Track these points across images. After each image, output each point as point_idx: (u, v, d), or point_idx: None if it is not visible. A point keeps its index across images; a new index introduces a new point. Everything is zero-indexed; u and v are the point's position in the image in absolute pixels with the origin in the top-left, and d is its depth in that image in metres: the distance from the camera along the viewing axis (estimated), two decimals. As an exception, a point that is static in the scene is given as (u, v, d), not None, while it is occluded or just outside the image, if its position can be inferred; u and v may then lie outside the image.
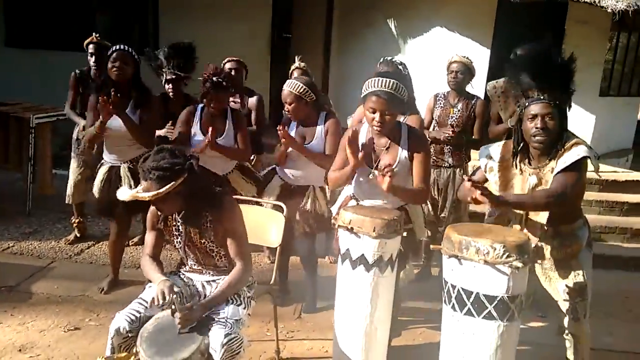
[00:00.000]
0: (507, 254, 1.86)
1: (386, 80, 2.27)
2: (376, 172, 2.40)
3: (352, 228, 2.12)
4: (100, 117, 2.90)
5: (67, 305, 3.09)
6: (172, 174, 1.97)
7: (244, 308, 2.17)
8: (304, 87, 2.94)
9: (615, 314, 3.49)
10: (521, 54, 2.23)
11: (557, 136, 2.13)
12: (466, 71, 3.43)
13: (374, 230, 2.07)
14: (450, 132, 3.35)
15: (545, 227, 2.28)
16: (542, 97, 2.13)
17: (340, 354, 2.29)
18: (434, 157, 3.57)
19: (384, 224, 2.08)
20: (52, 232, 4.15)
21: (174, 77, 3.49)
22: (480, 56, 5.70)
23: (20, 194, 4.54)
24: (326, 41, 6.90)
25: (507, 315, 1.92)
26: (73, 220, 4.02)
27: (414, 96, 2.86)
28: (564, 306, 2.31)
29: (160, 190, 1.95)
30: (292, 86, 2.94)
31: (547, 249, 2.32)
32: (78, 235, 4.01)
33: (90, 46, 3.79)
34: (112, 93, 2.88)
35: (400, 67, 2.82)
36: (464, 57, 3.46)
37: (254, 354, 2.76)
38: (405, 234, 2.40)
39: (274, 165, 3.24)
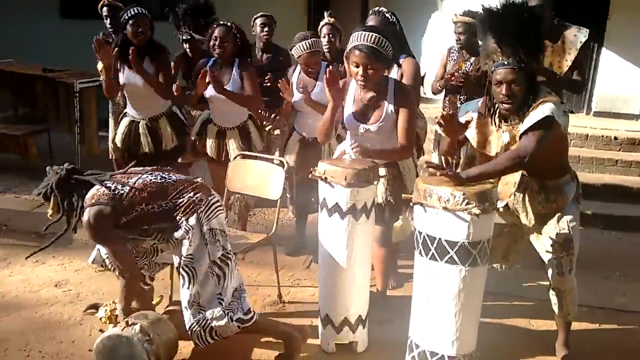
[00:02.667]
0: (466, 201, 1.91)
1: (369, 34, 2.31)
2: (366, 126, 2.49)
3: (326, 178, 2.24)
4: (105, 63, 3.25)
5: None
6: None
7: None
8: (317, 40, 3.11)
9: (630, 275, 3.41)
10: (485, 13, 2.18)
11: (525, 99, 2.10)
12: (468, 30, 3.36)
13: (345, 179, 2.18)
14: (449, 77, 3.32)
15: (530, 182, 2.29)
16: (506, 62, 2.08)
17: (324, 295, 2.46)
18: (448, 109, 3.57)
19: (354, 174, 2.18)
20: (97, 188, 4.57)
21: (189, 37, 3.69)
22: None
23: (71, 154, 5.00)
24: (363, 1, 6.84)
25: (468, 260, 1.99)
26: (114, 176, 4.40)
27: (405, 41, 2.89)
28: (547, 258, 2.33)
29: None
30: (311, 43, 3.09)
31: (533, 203, 2.33)
32: (118, 190, 4.40)
33: (104, 9, 4.04)
34: (131, 50, 3.11)
35: (388, 15, 2.84)
36: (467, 13, 3.37)
37: (259, 297, 3.00)
38: (395, 186, 2.51)
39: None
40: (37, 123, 5.05)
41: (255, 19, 3.92)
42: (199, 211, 2.17)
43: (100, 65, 4.22)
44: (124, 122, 3.45)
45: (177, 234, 2.18)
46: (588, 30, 3.07)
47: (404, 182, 2.60)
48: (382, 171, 2.41)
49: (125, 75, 3.27)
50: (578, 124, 5.20)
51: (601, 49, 5.56)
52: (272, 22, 3.94)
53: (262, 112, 3.65)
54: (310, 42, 3.07)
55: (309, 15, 6.56)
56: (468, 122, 2.28)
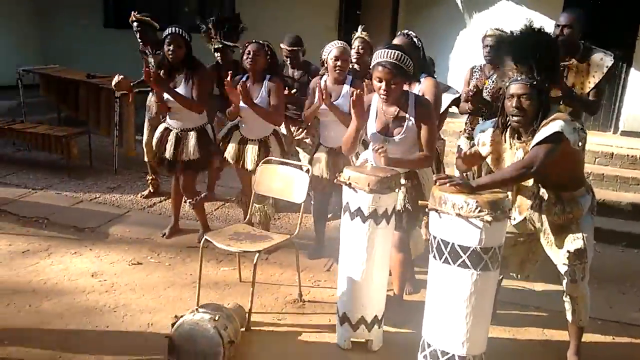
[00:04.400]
0: (479, 208, 2.03)
1: (391, 52, 2.47)
2: (388, 138, 2.63)
3: (350, 184, 2.38)
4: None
5: (135, 245, 3.68)
6: None
7: None
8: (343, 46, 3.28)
9: (647, 292, 3.44)
10: (505, 34, 2.32)
11: (534, 115, 2.23)
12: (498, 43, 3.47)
13: (368, 186, 2.32)
14: (470, 90, 3.42)
15: (547, 194, 2.40)
16: (519, 78, 2.22)
17: (342, 294, 2.59)
18: (469, 128, 3.69)
19: (377, 181, 2.32)
20: (132, 188, 4.82)
21: (220, 46, 3.91)
22: (549, 31, 5.52)
23: (109, 156, 5.30)
24: (393, 17, 7.00)
25: (480, 265, 2.09)
26: (148, 178, 4.65)
27: (428, 62, 3.02)
28: (563, 269, 2.42)
29: None
30: (341, 42, 3.28)
31: (550, 214, 2.42)
32: (152, 190, 4.63)
33: (134, 24, 4.29)
34: (156, 71, 3.34)
35: (415, 40, 2.99)
36: (498, 29, 3.50)
37: (281, 295, 3.15)
38: (413, 194, 2.64)
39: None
40: (78, 125, 5.36)
41: (283, 48, 4.04)
42: None
43: (114, 82, 4.50)
44: (160, 128, 3.67)
45: None
46: (613, 55, 3.15)
47: (423, 192, 2.71)
48: (402, 180, 2.54)
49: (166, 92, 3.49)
50: (604, 142, 5.22)
51: (630, 69, 5.58)
52: (297, 50, 4.01)
53: (292, 124, 3.84)
54: (342, 43, 3.30)
55: (338, 31, 6.75)
56: (478, 154, 2.42)
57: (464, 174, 2.84)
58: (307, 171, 3.03)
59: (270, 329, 2.80)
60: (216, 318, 2.31)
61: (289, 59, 3.92)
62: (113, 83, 4.54)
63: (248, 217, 3.31)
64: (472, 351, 2.19)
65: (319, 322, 2.88)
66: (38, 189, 4.63)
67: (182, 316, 2.35)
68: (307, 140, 4.26)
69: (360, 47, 3.59)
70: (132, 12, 4.28)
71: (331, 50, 3.28)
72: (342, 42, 3.31)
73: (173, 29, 3.39)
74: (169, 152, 3.54)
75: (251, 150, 3.46)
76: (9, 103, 6.17)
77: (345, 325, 2.58)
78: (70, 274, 3.23)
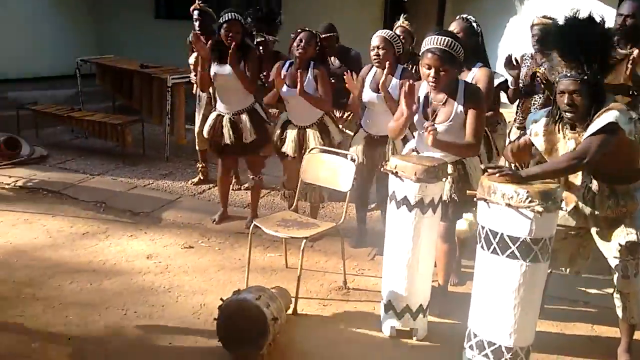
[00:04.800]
0: (529, 198, 2.01)
1: (442, 38, 2.45)
2: (435, 125, 2.61)
3: (397, 172, 2.40)
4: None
5: (186, 230, 3.84)
6: None
7: None
8: (396, 35, 3.23)
9: None
10: (551, 25, 2.25)
11: (588, 109, 2.16)
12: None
13: (415, 175, 2.33)
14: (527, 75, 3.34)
15: (601, 187, 2.34)
16: (569, 74, 2.16)
17: (388, 283, 2.62)
18: (520, 118, 3.62)
19: (424, 170, 2.33)
20: (183, 175, 5.00)
21: (262, 39, 3.99)
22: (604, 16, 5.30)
23: (161, 144, 5.50)
24: (440, 6, 6.88)
25: (530, 256, 2.08)
26: (198, 166, 4.81)
27: (483, 51, 2.97)
28: (614, 263, 2.36)
29: None
30: (385, 32, 3.22)
31: (603, 208, 2.37)
32: (201, 178, 4.79)
33: (195, 12, 4.41)
34: (232, 47, 3.43)
35: (475, 25, 2.96)
36: (546, 17, 3.40)
37: (326, 282, 3.22)
38: (460, 184, 2.63)
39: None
40: (132, 114, 5.59)
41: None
42: None
43: (192, 59, 4.63)
44: (212, 116, 3.79)
45: None
46: None
47: (470, 182, 2.68)
48: (450, 169, 2.53)
49: (215, 70, 3.60)
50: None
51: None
52: (333, 37, 4.08)
53: (334, 113, 3.87)
54: (384, 32, 3.27)
55: (384, 19, 6.71)
56: (528, 145, 2.39)
57: (515, 164, 2.79)
58: (353, 160, 3.07)
59: (316, 314, 2.87)
60: (259, 297, 2.39)
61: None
62: (191, 60, 4.63)
63: (295, 204, 3.38)
64: (519, 343, 2.18)
65: (364, 310, 2.93)
66: (95, 174, 4.88)
67: (227, 298, 2.45)
68: (349, 132, 4.29)
69: (401, 37, 3.58)
70: (197, 2, 4.40)
71: (371, 41, 3.28)
72: (386, 30, 3.28)
73: (232, 14, 3.49)
74: (229, 138, 3.65)
75: (312, 135, 3.51)
76: (68, 92, 6.49)
77: (390, 313, 2.62)
78: (127, 256, 3.41)
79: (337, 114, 4.03)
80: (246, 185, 4.66)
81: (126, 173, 4.95)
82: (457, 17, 3.10)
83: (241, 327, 2.35)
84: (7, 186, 4.44)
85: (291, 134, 3.58)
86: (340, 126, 3.97)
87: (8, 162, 4.80)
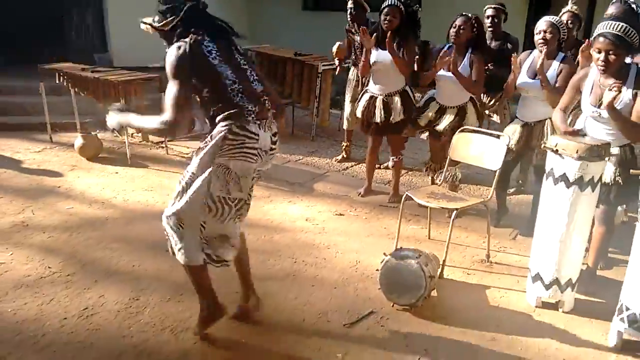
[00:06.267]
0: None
1: (614, 23, 2.52)
2: (600, 110, 2.68)
3: (557, 150, 2.54)
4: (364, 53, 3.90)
5: (335, 200, 4.28)
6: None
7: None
8: (562, 21, 3.33)
9: None
10: None
11: None
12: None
13: (577, 152, 2.46)
14: None
15: None
16: None
17: (538, 255, 2.78)
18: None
19: (587, 148, 2.45)
20: (327, 153, 5.48)
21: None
22: None
23: (307, 125, 6.04)
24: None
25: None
26: (343, 145, 5.25)
27: None
28: None
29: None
30: (552, 17, 3.31)
31: None
32: (345, 156, 5.23)
33: (349, 3, 4.79)
34: (389, 35, 3.75)
35: (634, 6, 2.93)
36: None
37: (468, 255, 3.44)
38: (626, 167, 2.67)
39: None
40: (285, 98, 6.19)
41: (485, 9, 4.28)
42: (230, 132, 2.09)
43: (334, 48, 5.07)
44: (365, 97, 4.16)
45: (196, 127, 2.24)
46: None
47: (638, 165, 2.68)
48: (615, 150, 2.59)
49: (375, 55, 3.95)
50: None
51: None
52: (499, 14, 4.25)
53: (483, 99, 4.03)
54: (552, 17, 3.32)
55: (528, 10, 6.59)
56: None
57: None
58: (506, 142, 3.23)
59: (461, 280, 3.12)
60: (419, 256, 2.71)
61: (490, 22, 4.08)
62: (334, 49, 5.13)
63: (442, 180, 3.63)
64: (676, 319, 2.24)
65: (507, 282, 3.11)
66: (253, 149, 5.54)
67: (390, 254, 2.80)
68: (496, 117, 4.41)
69: (569, 22, 3.60)
70: None
71: (538, 25, 3.37)
72: (553, 16, 3.36)
73: (392, 0, 3.80)
74: (379, 117, 4.01)
75: (448, 117, 3.76)
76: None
77: (538, 284, 2.78)
78: (289, 217, 3.93)
79: (486, 99, 4.18)
80: (385, 164, 5.01)
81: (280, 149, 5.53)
82: (614, 1, 3.09)
83: (401, 280, 2.69)
84: (186, 155, 5.25)
85: (432, 109, 3.86)
86: (487, 112, 4.12)
87: (185, 136, 5.64)
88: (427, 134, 4.05)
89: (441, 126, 3.79)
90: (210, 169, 2.13)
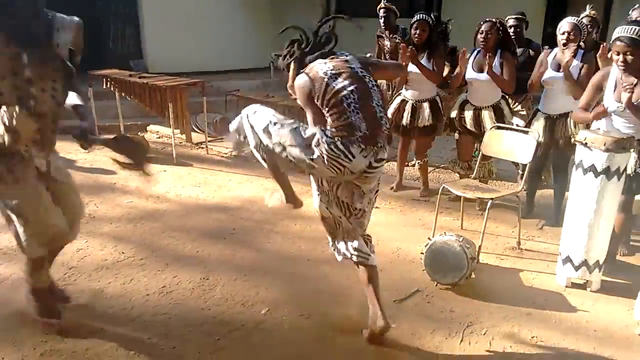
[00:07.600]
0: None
1: (630, 27, 2.83)
2: (620, 105, 2.97)
3: (586, 143, 2.83)
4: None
5: (371, 194, 4.58)
6: None
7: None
8: (583, 22, 3.62)
9: None
10: None
11: None
12: None
13: (604, 145, 2.75)
14: None
15: None
16: None
17: (567, 238, 3.06)
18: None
19: (613, 141, 2.74)
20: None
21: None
22: None
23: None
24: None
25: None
26: (372, 144, 5.55)
27: None
28: None
29: None
30: (574, 19, 3.60)
31: None
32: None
33: (381, 11, 5.11)
34: (410, 48, 4.08)
35: None
36: None
37: (500, 242, 3.73)
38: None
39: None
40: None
41: (507, 19, 4.56)
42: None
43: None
44: (397, 100, 4.47)
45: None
46: None
47: None
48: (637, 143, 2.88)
49: (410, 65, 4.26)
50: None
51: None
52: (521, 23, 4.53)
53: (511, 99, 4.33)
54: (574, 18, 3.62)
55: (547, 10, 6.87)
56: None
57: None
58: (535, 138, 3.52)
59: (495, 265, 3.41)
60: (461, 239, 3.01)
61: (513, 32, 4.39)
62: None
63: (475, 173, 3.93)
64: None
65: (538, 265, 3.40)
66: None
67: (434, 237, 3.10)
68: (523, 112, 4.70)
69: (588, 26, 3.89)
70: (383, 1, 5.13)
71: (561, 26, 3.67)
72: (574, 17, 3.65)
73: (421, 15, 4.13)
74: (405, 120, 4.33)
75: (487, 115, 4.05)
76: (255, 82, 7.70)
77: (568, 265, 3.07)
78: (330, 209, 4.23)
79: (511, 101, 4.47)
80: (412, 162, 5.30)
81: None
82: (636, 6, 3.38)
83: (445, 261, 2.98)
84: (225, 154, 5.59)
85: (468, 114, 4.14)
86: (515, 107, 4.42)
87: (222, 137, 5.98)
88: (457, 133, 4.35)
89: (487, 125, 4.05)
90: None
